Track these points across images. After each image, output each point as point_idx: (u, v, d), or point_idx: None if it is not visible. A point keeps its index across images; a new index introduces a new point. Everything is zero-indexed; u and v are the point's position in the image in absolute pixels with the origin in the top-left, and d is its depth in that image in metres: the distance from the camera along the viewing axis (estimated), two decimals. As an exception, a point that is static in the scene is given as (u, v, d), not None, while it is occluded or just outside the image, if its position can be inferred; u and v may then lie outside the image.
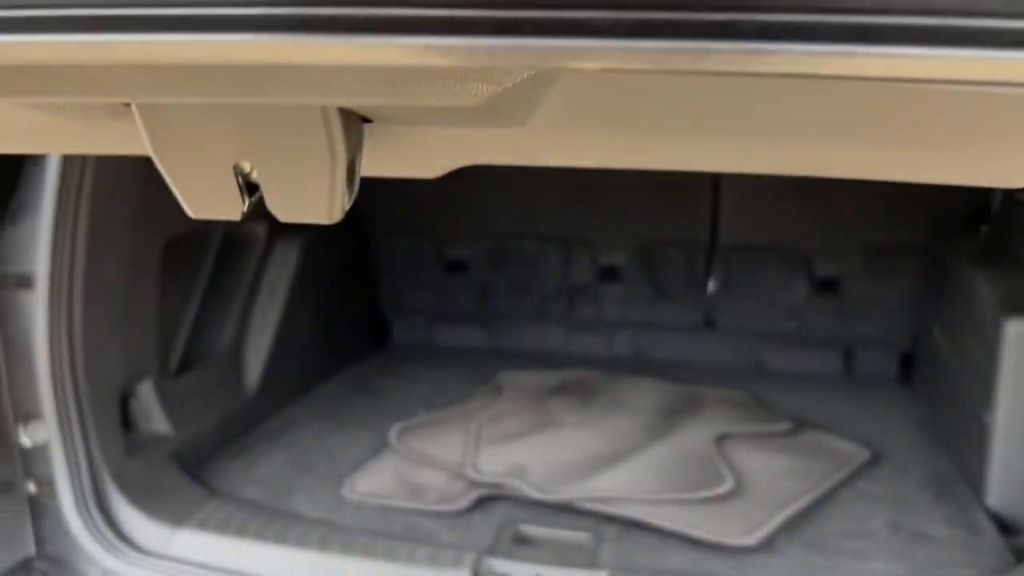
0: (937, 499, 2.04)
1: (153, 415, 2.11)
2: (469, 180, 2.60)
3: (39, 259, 1.80)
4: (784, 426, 2.39)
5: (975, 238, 2.70)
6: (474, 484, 2.03)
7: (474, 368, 2.97)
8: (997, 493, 1.99)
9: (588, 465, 2.09)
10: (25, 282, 1.83)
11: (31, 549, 1.94)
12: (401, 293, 3.26)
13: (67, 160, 1.81)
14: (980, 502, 2.00)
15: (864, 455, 2.25)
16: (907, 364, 2.89)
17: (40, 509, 1.90)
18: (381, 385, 2.81)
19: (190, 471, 2.12)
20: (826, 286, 2.92)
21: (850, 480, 2.13)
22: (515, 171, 2.57)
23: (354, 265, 3.11)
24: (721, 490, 1.98)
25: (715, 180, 2.88)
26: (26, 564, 1.93)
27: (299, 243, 2.67)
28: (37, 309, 1.81)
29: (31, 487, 1.90)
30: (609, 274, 3.06)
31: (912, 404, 2.70)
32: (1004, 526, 1.95)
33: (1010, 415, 1.98)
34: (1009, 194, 2.55)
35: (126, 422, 2.05)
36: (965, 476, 2.13)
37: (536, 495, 1.96)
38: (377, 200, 3.11)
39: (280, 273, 2.62)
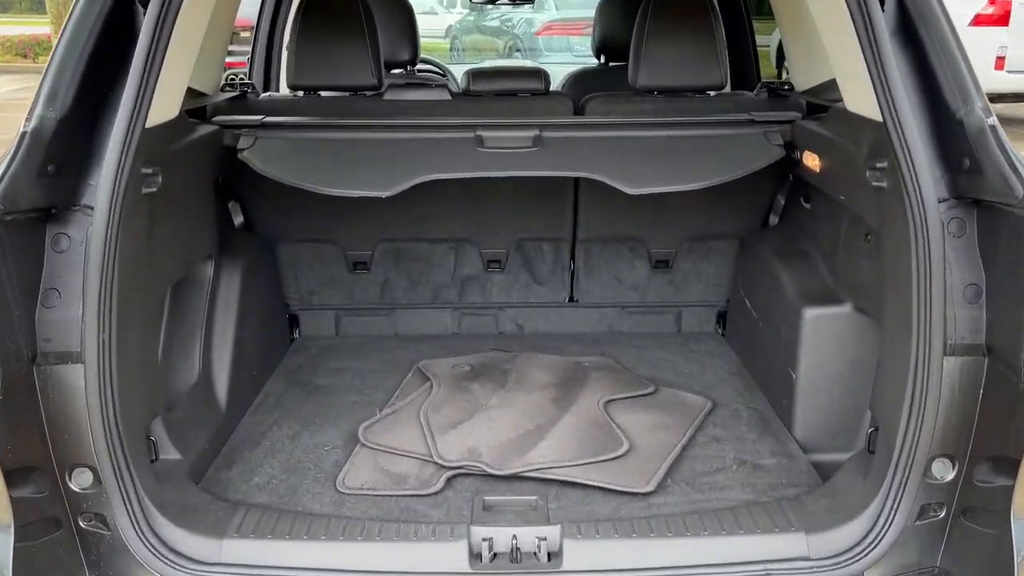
0: (762, 435, 2.91)
1: (166, 446, 2.53)
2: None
3: (87, 337, 2.11)
4: (648, 389, 3.19)
5: (769, 230, 3.58)
6: (441, 468, 2.66)
7: (385, 355, 3.53)
8: (801, 427, 2.89)
9: (522, 441, 2.77)
10: (70, 358, 2.17)
11: (85, 574, 2.33)
12: (309, 292, 3.73)
13: (104, 252, 2.13)
14: (791, 434, 2.89)
15: (707, 405, 3.09)
16: (720, 320, 3.78)
17: (92, 540, 2.22)
18: (316, 382, 3.32)
19: (203, 487, 2.57)
20: (660, 265, 3.73)
21: (701, 427, 2.96)
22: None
23: (270, 276, 3.54)
24: (621, 451, 2.73)
25: (575, 189, 3.56)
26: (84, 587, 2.33)
27: (238, 272, 3.09)
28: (85, 380, 2.14)
29: (81, 523, 2.29)
30: (494, 265, 3.70)
31: (728, 352, 3.60)
32: (805, 449, 2.85)
33: (807, 373, 2.86)
34: (792, 199, 3.43)
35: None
36: (778, 415, 3.02)
37: (492, 471, 2.62)
38: (287, 212, 3.53)
39: (227, 302, 3.03)
